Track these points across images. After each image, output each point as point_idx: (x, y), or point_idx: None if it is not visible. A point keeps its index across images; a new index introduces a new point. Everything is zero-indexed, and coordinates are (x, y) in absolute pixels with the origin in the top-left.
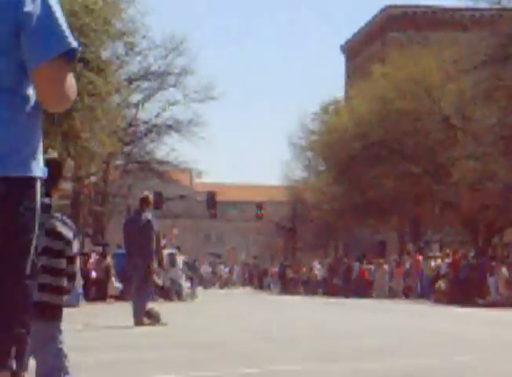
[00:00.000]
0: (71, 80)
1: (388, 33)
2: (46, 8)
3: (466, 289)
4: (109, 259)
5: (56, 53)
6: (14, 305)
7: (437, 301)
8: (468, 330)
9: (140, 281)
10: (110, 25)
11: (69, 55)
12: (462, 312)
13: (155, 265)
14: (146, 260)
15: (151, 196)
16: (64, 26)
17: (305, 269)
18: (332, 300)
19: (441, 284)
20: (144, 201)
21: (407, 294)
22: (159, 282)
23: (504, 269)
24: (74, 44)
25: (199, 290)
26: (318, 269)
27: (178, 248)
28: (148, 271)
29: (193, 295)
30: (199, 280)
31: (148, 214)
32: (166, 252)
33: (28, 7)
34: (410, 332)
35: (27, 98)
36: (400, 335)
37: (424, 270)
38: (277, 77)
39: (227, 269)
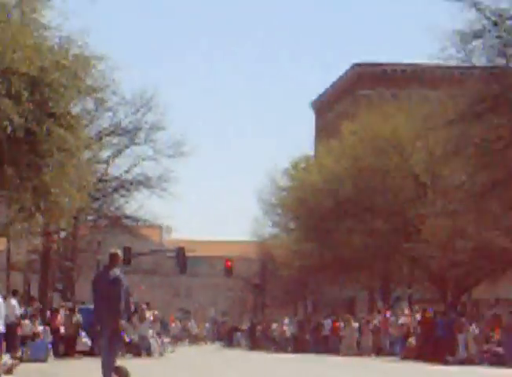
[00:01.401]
0: None
1: (358, 90)
2: None
3: (436, 346)
4: (78, 315)
5: None
6: None
7: (406, 358)
8: None
9: (108, 338)
10: (80, 81)
11: None
12: (433, 370)
13: (123, 321)
14: (114, 316)
15: (120, 253)
16: None
17: (274, 326)
18: (301, 357)
19: (412, 342)
20: (113, 257)
21: (377, 351)
22: (127, 339)
23: (473, 327)
24: None
25: (169, 346)
26: (288, 326)
27: (147, 304)
28: (117, 328)
29: (162, 351)
30: (168, 335)
31: (117, 271)
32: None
33: None
34: None
35: None
36: None
37: (393, 327)
38: (248, 133)
39: (196, 325)
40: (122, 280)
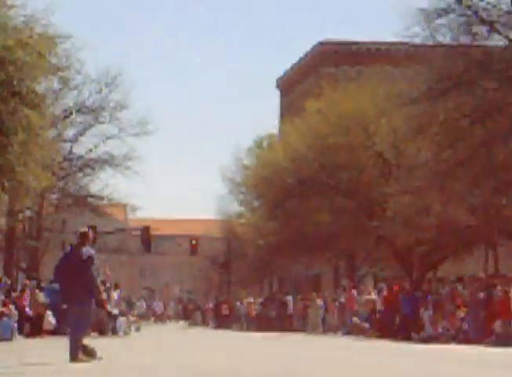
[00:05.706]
0: None
1: (322, 68)
2: None
3: (401, 324)
4: (45, 294)
5: None
6: None
7: (371, 336)
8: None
9: (77, 316)
10: (44, 59)
11: None
12: (399, 348)
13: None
14: (89, 295)
15: (89, 231)
16: None
17: (239, 305)
18: (266, 335)
19: (377, 319)
20: (82, 235)
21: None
22: (109, 309)
23: (439, 304)
24: None
25: (134, 324)
26: (253, 304)
27: (116, 285)
28: (101, 304)
29: (128, 330)
30: (133, 314)
31: (90, 249)
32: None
33: None
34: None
35: None
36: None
37: (358, 305)
38: (213, 112)
39: (161, 304)
40: (95, 259)
